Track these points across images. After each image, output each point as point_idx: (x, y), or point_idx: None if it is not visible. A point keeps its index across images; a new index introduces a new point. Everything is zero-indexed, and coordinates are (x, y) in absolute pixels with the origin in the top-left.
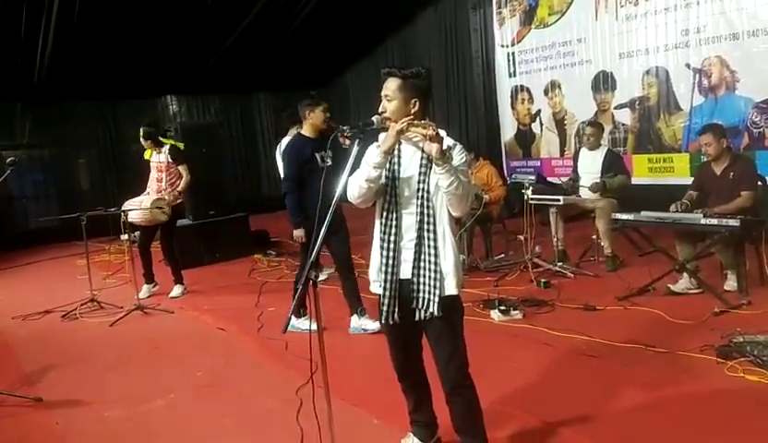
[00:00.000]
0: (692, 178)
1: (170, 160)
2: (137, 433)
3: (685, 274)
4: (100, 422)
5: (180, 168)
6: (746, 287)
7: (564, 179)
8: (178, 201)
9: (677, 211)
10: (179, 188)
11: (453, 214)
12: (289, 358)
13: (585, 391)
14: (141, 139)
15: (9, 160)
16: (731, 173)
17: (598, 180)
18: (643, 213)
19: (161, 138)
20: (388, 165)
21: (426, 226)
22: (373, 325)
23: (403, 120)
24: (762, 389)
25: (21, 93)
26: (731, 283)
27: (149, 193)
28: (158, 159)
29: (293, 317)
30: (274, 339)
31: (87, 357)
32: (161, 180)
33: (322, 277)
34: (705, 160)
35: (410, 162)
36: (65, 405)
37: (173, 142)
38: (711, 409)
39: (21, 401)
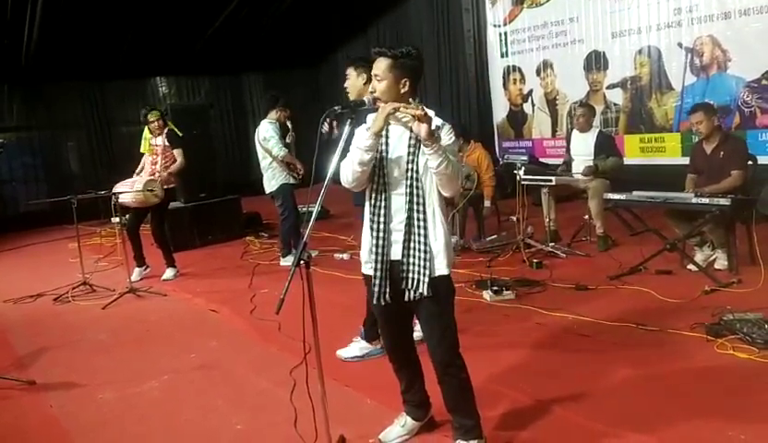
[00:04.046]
0: (683, 158)
1: (167, 143)
2: (130, 414)
3: (704, 247)
4: (93, 404)
5: (175, 152)
6: (736, 265)
7: (557, 161)
8: (170, 185)
9: None
10: (170, 169)
11: (444, 194)
12: (282, 339)
13: (577, 370)
14: (151, 121)
15: None
16: (721, 153)
17: (590, 163)
18: (635, 193)
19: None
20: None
21: (415, 207)
22: None
23: (392, 104)
24: (752, 365)
25: (8, 75)
26: (721, 262)
27: (140, 175)
28: (155, 142)
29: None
30: (267, 320)
31: (80, 340)
32: (155, 163)
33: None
34: (697, 139)
35: (398, 143)
36: (58, 388)
37: (171, 126)
38: (701, 386)
39: (15, 384)
